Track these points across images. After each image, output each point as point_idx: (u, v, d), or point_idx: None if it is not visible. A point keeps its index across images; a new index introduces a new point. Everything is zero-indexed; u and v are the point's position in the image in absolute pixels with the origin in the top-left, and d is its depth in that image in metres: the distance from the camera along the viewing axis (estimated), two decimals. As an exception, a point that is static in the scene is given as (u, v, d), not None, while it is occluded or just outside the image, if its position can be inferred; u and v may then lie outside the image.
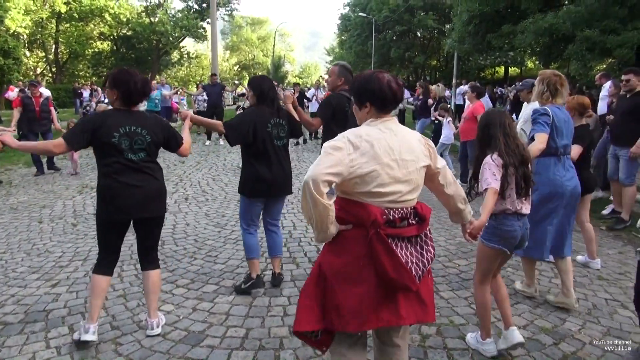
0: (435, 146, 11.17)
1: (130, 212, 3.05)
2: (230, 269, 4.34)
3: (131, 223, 3.17)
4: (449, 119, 8.69)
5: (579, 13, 12.90)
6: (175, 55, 44.44)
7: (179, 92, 17.65)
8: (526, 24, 14.42)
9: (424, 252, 2.10)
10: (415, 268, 2.03)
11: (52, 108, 9.56)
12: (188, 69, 49.98)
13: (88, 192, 7.52)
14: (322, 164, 1.94)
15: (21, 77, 26.82)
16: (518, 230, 2.83)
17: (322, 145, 2.14)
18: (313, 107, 13.79)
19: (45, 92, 11.52)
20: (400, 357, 2.27)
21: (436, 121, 9.76)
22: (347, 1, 44.58)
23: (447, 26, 32.01)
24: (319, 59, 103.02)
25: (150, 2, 40.02)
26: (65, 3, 32.77)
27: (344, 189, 2.05)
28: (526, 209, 2.86)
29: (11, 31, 27.32)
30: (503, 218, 2.82)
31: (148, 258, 3.27)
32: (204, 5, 40.18)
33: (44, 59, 38.55)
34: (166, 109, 14.45)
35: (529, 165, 2.83)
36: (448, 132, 8.67)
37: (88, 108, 16.95)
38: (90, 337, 3.01)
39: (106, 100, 14.12)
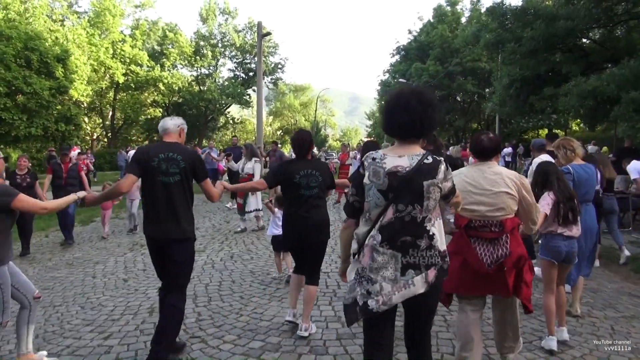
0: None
1: (298, 237, 4.01)
2: (276, 325, 4.34)
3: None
4: None
5: (623, 76, 12.82)
6: (221, 121, 46.63)
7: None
8: (569, 86, 14.40)
9: (497, 249, 3.06)
10: (486, 259, 3.05)
11: (82, 173, 8.97)
12: (233, 133, 52.05)
13: (138, 250, 7.78)
14: None
15: (79, 142, 28.68)
16: (562, 247, 3.75)
17: None
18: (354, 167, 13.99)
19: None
20: (503, 319, 3.28)
21: None
22: (386, 68, 45.99)
23: (487, 90, 32.33)
24: (359, 123, 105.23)
25: (201, 72, 42.75)
26: (123, 74, 35.47)
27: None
28: (574, 231, 3.76)
29: (74, 99, 29.58)
30: (550, 237, 3.81)
31: (310, 275, 4.11)
32: (250, 74, 42.49)
33: (101, 125, 41.23)
34: (213, 170, 15.04)
35: (575, 200, 3.77)
36: None
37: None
38: (291, 318, 4.16)
39: None
